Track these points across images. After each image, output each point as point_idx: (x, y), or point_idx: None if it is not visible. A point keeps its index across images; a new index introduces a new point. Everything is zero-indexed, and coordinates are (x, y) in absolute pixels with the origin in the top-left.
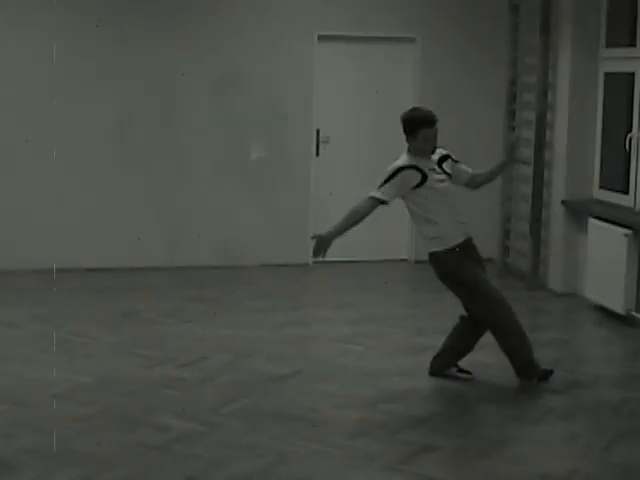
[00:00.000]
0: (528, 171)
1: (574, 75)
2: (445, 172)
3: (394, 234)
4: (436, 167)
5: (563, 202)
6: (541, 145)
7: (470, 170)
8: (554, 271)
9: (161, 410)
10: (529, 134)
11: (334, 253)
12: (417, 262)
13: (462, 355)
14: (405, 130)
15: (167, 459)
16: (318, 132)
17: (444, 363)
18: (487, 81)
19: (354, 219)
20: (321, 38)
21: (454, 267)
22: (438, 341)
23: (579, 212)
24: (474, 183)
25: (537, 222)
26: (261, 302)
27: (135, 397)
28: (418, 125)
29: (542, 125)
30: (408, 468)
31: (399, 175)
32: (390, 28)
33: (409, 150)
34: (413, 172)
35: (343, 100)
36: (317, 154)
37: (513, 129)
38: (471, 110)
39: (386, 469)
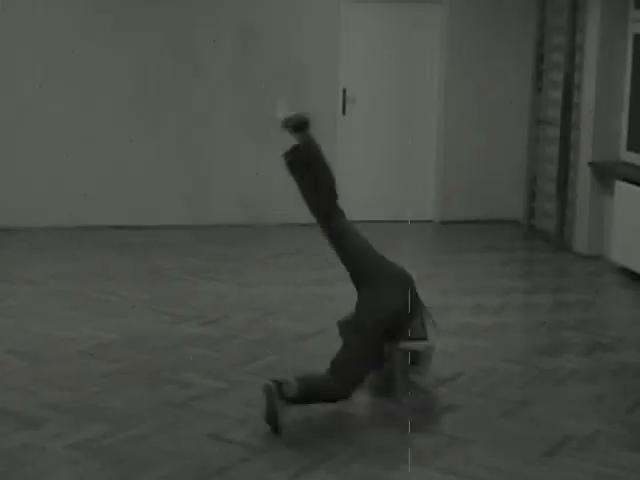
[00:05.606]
0: (555, 132)
1: (603, 36)
2: None
3: (420, 195)
4: None
5: (590, 164)
6: (568, 106)
7: None
8: (580, 233)
9: (185, 367)
10: (556, 95)
11: (362, 214)
12: (442, 223)
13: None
14: None
15: (190, 416)
16: (345, 91)
17: None
18: (514, 42)
19: None
20: None
21: None
22: (461, 301)
23: (606, 174)
24: None
25: (563, 184)
26: (283, 260)
27: (159, 354)
28: None
29: (569, 86)
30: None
31: None
32: None
33: None
34: None
35: (370, 60)
36: (343, 113)
37: (540, 90)
38: (498, 71)
39: None
